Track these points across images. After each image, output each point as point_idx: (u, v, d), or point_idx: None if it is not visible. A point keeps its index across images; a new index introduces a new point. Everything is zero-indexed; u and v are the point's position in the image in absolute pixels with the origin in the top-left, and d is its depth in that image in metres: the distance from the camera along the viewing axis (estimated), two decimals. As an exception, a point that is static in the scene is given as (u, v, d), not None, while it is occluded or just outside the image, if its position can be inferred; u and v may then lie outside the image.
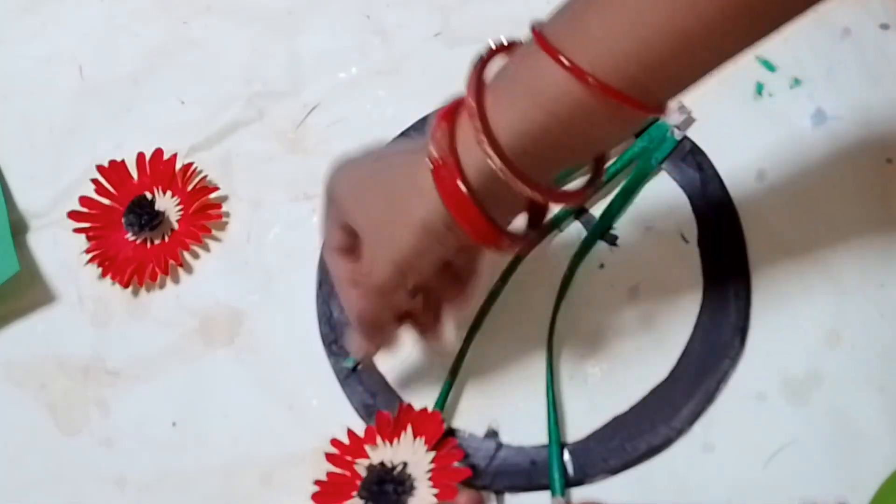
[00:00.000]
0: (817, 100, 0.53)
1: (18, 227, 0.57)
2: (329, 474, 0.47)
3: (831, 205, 0.51)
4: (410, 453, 0.47)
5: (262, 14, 0.61)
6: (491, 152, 0.36)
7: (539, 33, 0.37)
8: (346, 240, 0.43)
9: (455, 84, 0.56)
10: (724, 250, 0.50)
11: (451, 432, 0.49)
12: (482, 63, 0.39)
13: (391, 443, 0.47)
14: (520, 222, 0.42)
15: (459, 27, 0.59)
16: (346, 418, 0.50)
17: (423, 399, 0.49)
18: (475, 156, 0.37)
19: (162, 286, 0.55)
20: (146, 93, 0.60)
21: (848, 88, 0.53)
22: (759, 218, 0.51)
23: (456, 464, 0.46)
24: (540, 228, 0.42)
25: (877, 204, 0.50)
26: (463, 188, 0.37)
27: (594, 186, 0.41)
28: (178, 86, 0.59)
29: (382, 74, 0.58)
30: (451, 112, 0.38)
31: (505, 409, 0.49)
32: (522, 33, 0.57)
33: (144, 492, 0.50)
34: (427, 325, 0.46)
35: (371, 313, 0.44)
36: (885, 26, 0.54)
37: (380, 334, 0.46)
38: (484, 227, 0.38)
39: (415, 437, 0.47)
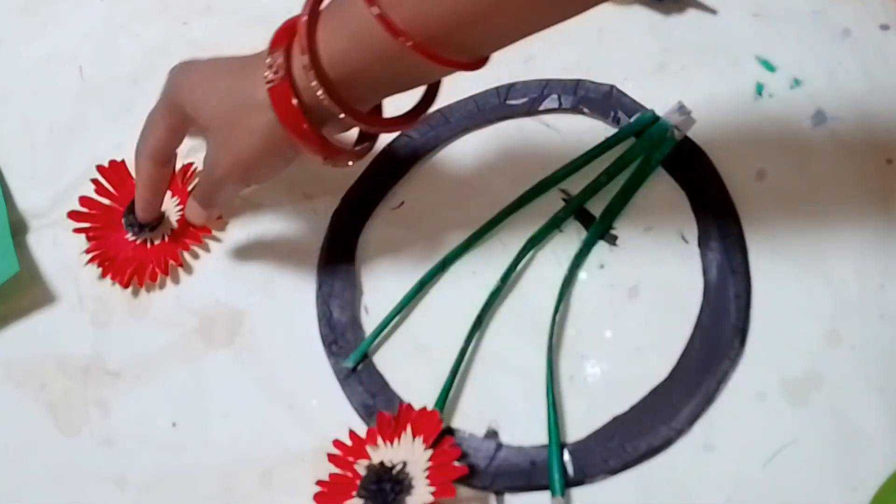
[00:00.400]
0: (817, 100, 0.53)
1: (18, 228, 0.57)
2: (331, 475, 0.47)
3: (831, 205, 0.50)
4: (409, 452, 0.47)
5: (262, 14, 0.60)
6: (315, 83, 0.41)
7: None
8: (173, 133, 0.50)
9: (456, 84, 0.57)
10: (724, 251, 0.50)
11: (448, 431, 0.49)
12: None
13: (392, 443, 0.47)
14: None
15: (459, 27, 0.59)
16: (345, 418, 0.50)
17: (422, 399, 0.49)
18: (305, 79, 0.42)
19: (162, 286, 0.55)
20: (146, 93, 0.59)
21: (848, 89, 0.53)
22: (759, 218, 0.51)
23: (454, 462, 0.46)
24: (371, 140, 0.48)
25: (877, 204, 0.50)
26: (296, 106, 0.42)
27: (421, 113, 0.46)
28: (179, 86, 0.59)
29: (382, 74, 0.58)
30: (288, 31, 0.43)
31: (505, 409, 0.49)
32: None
33: (144, 492, 0.50)
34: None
35: (213, 193, 0.50)
36: (885, 27, 0.54)
37: (213, 206, 0.52)
38: (316, 142, 0.43)
39: (414, 436, 0.47)
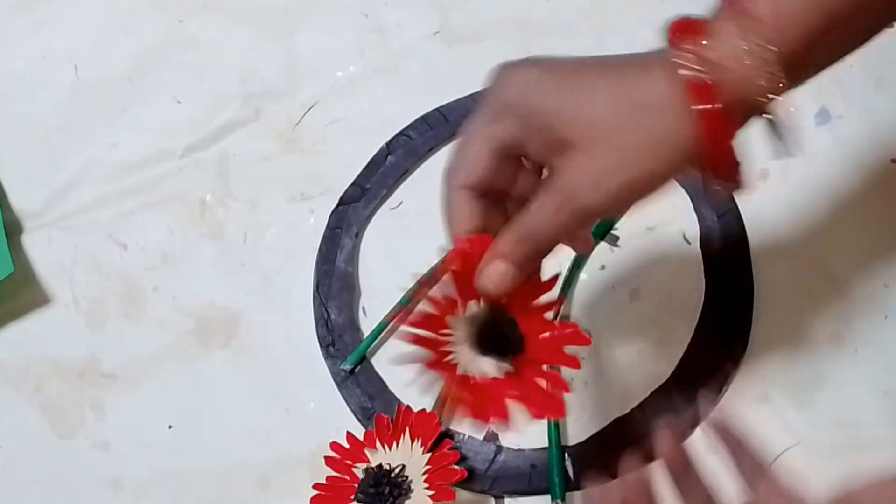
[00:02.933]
0: (821, 99, 0.52)
1: (13, 228, 0.56)
2: (329, 478, 0.47)
3: (835, 205, 0.50)
4: (407, 455, 0.46)
5: (258, 12, 0.60)
6: (774, 65, 0.31)
7: None
8: (496, 165, 0.36)
9: (455, 83, 0.56)
10: (727, 251, 0.50)
11: (447, 434, 0.48)
12: None
13: (390, 446, 0.47)
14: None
15: (458, 25, 0.58)
16: (343, 421, 0.50)
17: (421, 402, 0.49)
18: (743, 74, 0.32)
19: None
20: (142, 92, 0.59)
21: (852, 88, 0.52)
22: (762, 218, 0.50)
23: (453, 466, 0.46)
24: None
25: (881, 204, 0.50)
26: (720, 111, 0.32)
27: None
28: (174, 85, 0.59)
29: (381, 73, 0.58)
30: (695, 26, 0.33)
31: (505, 412, 0.48)
32: (522, 32, 0.58)
33: (140, 495, 0.50)
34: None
35: (555, 235, 0.36)
36: (890, 25, 0.54)
37: (533, 264, 0.37)
38: (730, 159, 0.33)
39: (412, 439, 0.47)
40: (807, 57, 0.33)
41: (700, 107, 0.32)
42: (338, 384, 0.51)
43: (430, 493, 0.45)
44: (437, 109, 0.56)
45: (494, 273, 0.36)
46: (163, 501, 0.50)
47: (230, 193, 0.56)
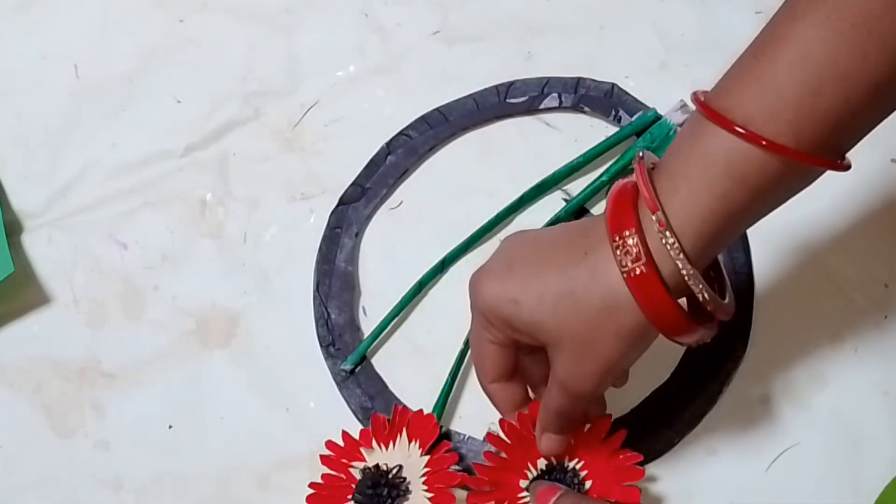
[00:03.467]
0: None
1: (13, 228, 0.56)
2: (324, 476, 0.47)
3: (835, 205, 0.50)
4: (405, 456, 0.46)
5: (259, 12, 0.60)
6: (681, 258, 0.36)
7: (703, 102, 0.35)
8: (509, 355, 0.43)
9: (455, 82, 0.56)
10: (727, 251, 0.50)
11: (446, 435, 0.48)
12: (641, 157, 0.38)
13: (386, 446, 0.47)
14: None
15: (458, 25, 0.58)
16: (343, 421, 0.49)
17: (422, 402, 0.49)
18: (667, 261, 0.36)
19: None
20: (142, 91, 0.59)
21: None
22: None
23: (451, 468, 0.46)
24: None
25: (881, 204, 0.50)
26: (666, 296, 0.36)
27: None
28: (174, 84, 0.59)
29: (381, 73, 0.58)
30: (625, 207, 0.37)
31: (505, 412, 0.48)
32: (522, 32, 0.58)
33: (140, 495, 0.50)
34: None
35: (572, 413, 0.43)
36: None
37: (572, 428, 0.44)
38: (689, 328, 0.37)
39: (410, 440, 0.46)
40: (709, 248, 0.37)
41: (641, 297, 0.36)
42: (338, 384, 0.51)
43: (430, 495, 0.45)
44: (437, 109, 0.56)
45: (547, 443, 0.44)
46: (163, 501, 0.50)
47: (230, 193, 0.56)
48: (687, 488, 0.46)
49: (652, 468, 0.47)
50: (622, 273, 0.36)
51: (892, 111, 0.35)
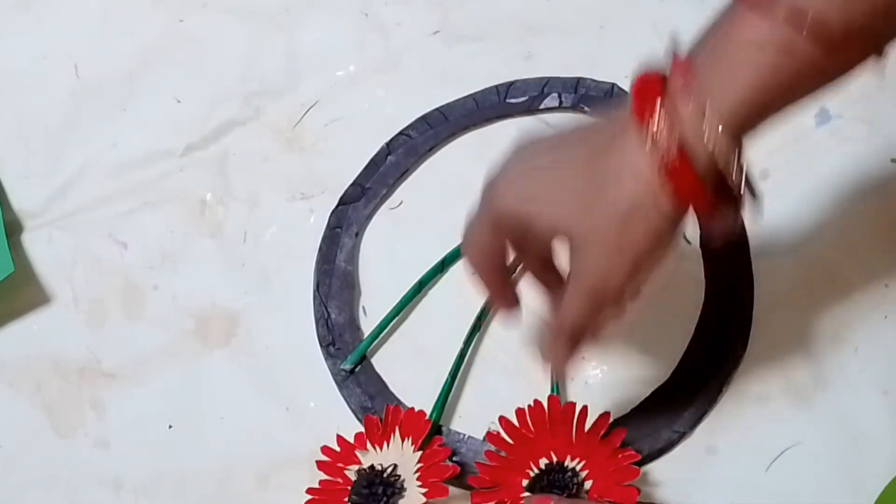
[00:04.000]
0: (821, 99, 0.52)
1: (13, 228, 0.56)
2: (321, 482, 0.47)
3: (835, 205, 0.50)
4: (399, 455, 0.46)
5: (259, 11, 0.60)
6: (721, 145, 0.34)
7: None
8: (505, 249, 0.41)
9: (455, 82, 0.56)
10: (727, 251, 0.50)
11: (437, 430, 0.48)
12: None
13: (381, 446, 0.47)
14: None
15: (459, 25, 0.58)
16: (343, 421, 0.49)
17: (421, 402, 0.49)
18: (700, 146, 0.34)
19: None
20: (142, 91, 0.59)
21: (852, 87, 0.52)
22: (762, 218, 0.50)
23: (445, 462, 0.46)
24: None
25: (881, 204, 0.50)
26: (700, 183, 0.35)
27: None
28: (174, 83, 0.59)
29: (381, 72, 0.58)
30: (651, 96, 0.35)
31: (505, 411, 0.48)
32: (522, 32, 0.58)
33: (140, 494, 0.50)
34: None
35: (592, 318, 0.40)
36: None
37: (584, 339, 0.42)
38: (721, 216, 0.36)
39: (403, 438, 0.47)
40: (747, 125, 0.35)
41: (678, 187, 0.35)
42: (338, 384, 0.51)
43: (424, 490, 0.45)
44: (437, 109, 0.56)
45: (553, 353, 0.42)
46: (163, 501, 0.50)
47: (230, 193, 0.56)
48: (687, 488, 0.46)
49: (652, 468, 0.47)
50: (655, 162, 0.35)
51: None
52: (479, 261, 0.42)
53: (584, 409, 0.45)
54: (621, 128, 0.36)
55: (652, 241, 0.37)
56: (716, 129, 0.34)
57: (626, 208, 0.36)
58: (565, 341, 0.41)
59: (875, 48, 0.35)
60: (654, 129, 0.35)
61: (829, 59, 0.34)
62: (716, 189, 0.36)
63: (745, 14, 0.35)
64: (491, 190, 0.40)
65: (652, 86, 0.36)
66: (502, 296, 0.44)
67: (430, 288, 0.52)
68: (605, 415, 0.45)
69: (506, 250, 0.41)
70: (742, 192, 0.36)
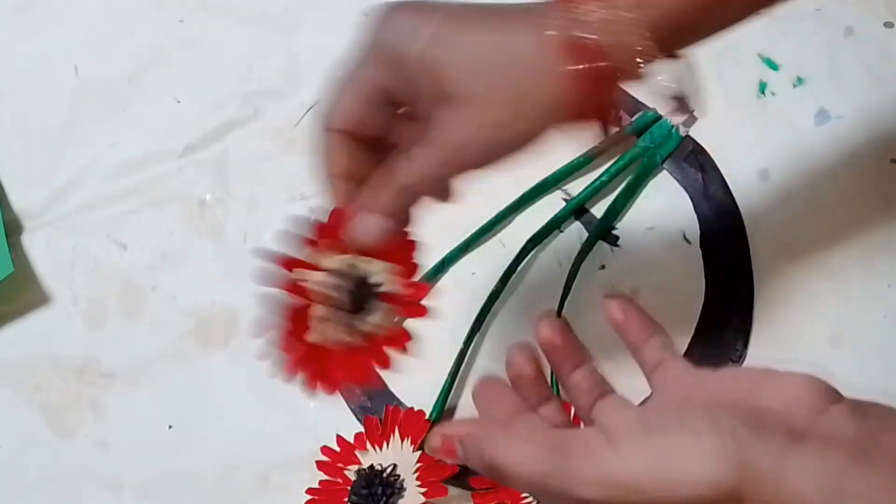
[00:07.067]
0: (820, 99, 0.52)
1: (12, 228, 0.56)
2: (321, 482, 0.47)
3: (835, 205, 0.50)
4: (398, 454, 0.46)
5: (259, 12, 0.60)
6: (647, 42, 0.32)
7: None
8: (381, 102, 0.36)
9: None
10: (727, 251, 0.50)
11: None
12: None
13: (380, 447, 0.47)
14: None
15: (458, 25, 0.58)
16: (343, 421, 0.49)
17: (421, 402, 0.49)
18: (616, 39, 0.32)
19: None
20: (142, 92, 0.59)
21: (851, 88, 0.52)
22: (761, 218, 0.50)
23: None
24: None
25: (881, 204, 0.50)
26: (607, 65, 0.32)
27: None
28: (174, 84, 0.59)
29: (381, 73, 0.58)
30: None
31: (505, 412, 0.48)
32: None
33: (140, 495, 0.50)
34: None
35: (425, 190, 0.36)
36: (888, 24, 0.54)
37: (404, 218, 0.37)
38: (608, 114, 0.35)
39: (402, 438, 0.47)
40: (677, 28, 0.33)
41: (576, 67, 0.33)
42: (338, 384, 0.51)
43: (423, 490, 0.45)
44: (437, 109, 0.56)
45: (371, 226, 0.36)
46: (163, 501, 0.50)
47: (230, 193, 0.56)
48: (687, 488, 0.46)
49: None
50: (566, 39, 0.32)
51: None
52: (342, 117, 0.36)
53: None
54: (542, 13, 0.33)
55: (538, 120, 0.34)
56: (641, 28, 0.32)
57: (526, 76, 0.33)
58: (383, 210, 0.36)
59: None
60: (576, 8, 0.33)
61: None
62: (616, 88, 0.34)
63: None
64: (383, 14, 0.35)
65: None
66: (345, 177, 0.37)
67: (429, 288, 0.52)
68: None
69: (378, 113, 0.36)
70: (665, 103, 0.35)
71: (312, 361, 0.37)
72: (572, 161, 0.53)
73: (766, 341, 0.48)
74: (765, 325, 0.48)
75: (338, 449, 0.47)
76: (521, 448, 0.32)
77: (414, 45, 0.34)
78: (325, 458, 0.47)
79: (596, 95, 0.33)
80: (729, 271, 0.49)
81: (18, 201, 0.58)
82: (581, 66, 0.33)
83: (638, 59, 0.33)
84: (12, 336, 0.55)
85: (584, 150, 0.53)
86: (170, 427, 0.51)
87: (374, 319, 0.37)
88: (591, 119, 0.34)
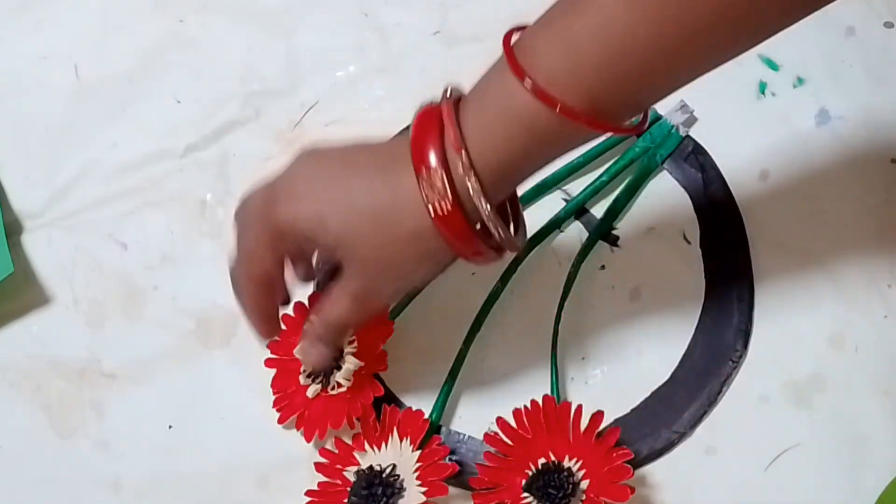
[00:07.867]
0: (821, 99, 0.52)
1: (13, 228, 0.56)
2: (320, 484, 0.47)
3: (835, 205, 0.50)
4: (397, 454, 0.46)
5: (258, 12, 0.60)
6: (485, 204, 0.37)
7: (510, 50, 0.37)
8: (281, 262, 0.43)
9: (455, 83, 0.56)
10: (727, 251, 0.50)
11: (436, 429, 0.48)
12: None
13: (379, 447, 0.47)
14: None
15: (458, 25, 0.58)
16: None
17: (422, 402, 0.49)
18: (469, 200, 0.38)
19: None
20: (142, 92, 0.59)
21: (852, 88, 0.52)
22: (762, 219, 0.50)
23: (444, 460, 0.46)
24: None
25: (881, 204, 0.50)
26: (469, 227, 0.38)
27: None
28: (174, 85, 0.59)
29: (380, 73, 0.58)
30: (430, 137, 0.38)
31: (504, 412, 0.48)
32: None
33: (140, 495, 0.50)
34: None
35: (353, 324, 0.45)
36: (889, 25, 0.54)
37: (343, 340, 0.46)
38: (483, 254, 0.40)
39: (401, 438, 0.47)
40: (505, 188, 0.39)
41: (447, 232, 0.38)
42: (338, 384, 0.51)
43: (423, 489, 0.45)
44: (438, 109, 0.56)
45: (313, 354, 0.45)
46: (163, 501, 0.50)
47: (230, 193, 0.56)
48: (687, 488, 0.46)
49: (652, 468, 0.47)
50: (428, 207, 0.37)
51: (685, 82, 0.37)
52: (253, 280, 0.43)
53: (579, 408, 0.45)
54: (404, 162, 0.38)
55: (421, 269, 0.41)
56: (479, 192, 0.37)
57: (402, 238, 0.39)
58: (323, 342, 0.44)
59: (626, 116, 0.38)
60: (428, 177, 0.37)
61: (579, 130, 0.36)
62: (481, 237, 0.39)
63: (505, 75, 0.37)
64: (269, 206, 0.41)
65: (431, 125, 0.38)
66: (267, 319, 0.45)
67: (429, 288, 0.52)
68: (599, 414, 0.45)
69: (283, 267, 0.43)
70: (503, 242, 0.39)
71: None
72: (572, 161, 0.53)
73: (766, 341, 0.48)
74: (765, 325, 0.48)
75: (336, 450, 0.47)
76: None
77: (308, 226, 0.40)
78: (323, 461, 0.47)
79: (465, 244, 0.39)
80: (729, 271, 0.49)
81: (18, 201, 0.58)
82: (448, 228, 0.38)
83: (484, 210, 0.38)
84: (13, 336, 0.55)
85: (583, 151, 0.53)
86: (170, 427, 0.51)
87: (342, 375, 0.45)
88: (464, 256, 0.40)
